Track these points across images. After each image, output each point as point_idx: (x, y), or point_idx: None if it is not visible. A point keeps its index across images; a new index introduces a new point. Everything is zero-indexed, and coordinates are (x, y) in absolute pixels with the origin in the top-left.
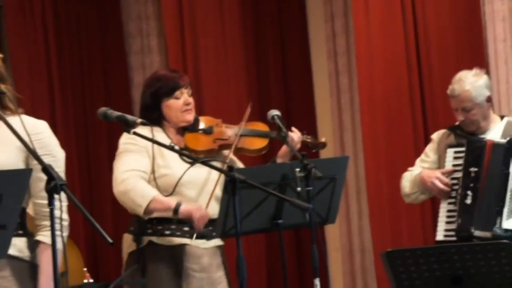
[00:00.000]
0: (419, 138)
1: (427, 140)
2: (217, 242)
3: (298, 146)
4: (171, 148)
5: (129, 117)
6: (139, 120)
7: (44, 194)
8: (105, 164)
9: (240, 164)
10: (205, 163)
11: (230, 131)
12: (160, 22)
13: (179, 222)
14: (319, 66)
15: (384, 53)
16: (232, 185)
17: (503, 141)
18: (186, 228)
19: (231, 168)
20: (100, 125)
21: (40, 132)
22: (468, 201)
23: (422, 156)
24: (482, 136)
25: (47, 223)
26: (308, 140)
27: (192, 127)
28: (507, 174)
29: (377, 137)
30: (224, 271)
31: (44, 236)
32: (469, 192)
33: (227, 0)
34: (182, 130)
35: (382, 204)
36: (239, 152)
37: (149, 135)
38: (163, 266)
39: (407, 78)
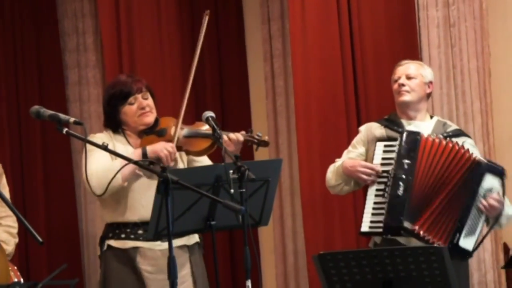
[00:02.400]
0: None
1: None
2: (177, 242)
3: (240, 146)
4: (104, 148)
5: (62, 116)
6: (72, 119)
7: None
8: (38, 162)
9: (206, 161)
10: (137, 164)
11: (179, 132)
12: (96, 20)
13: (134, 225)
14: (255, 69)
15: (320, 57)
16: (165, 186)
17: (484, 160)
18: (140, 231)
19: (164, 169)
20: (34, 123)
21: None
22: (400, 192)
23: (349, 148)
24: (411, 127)
25: None
26: (251, 139)
27: (150, 130)
28: (475, 191)
29: (311, 140)
30: (191, 270)
31: None
32: (401, 183)
33: (164, 0)
34: (143, 134)
35: (316, 207)
36: (188, 154)
37: (108, 138)
38: (120, 269)
39: (342, 82)
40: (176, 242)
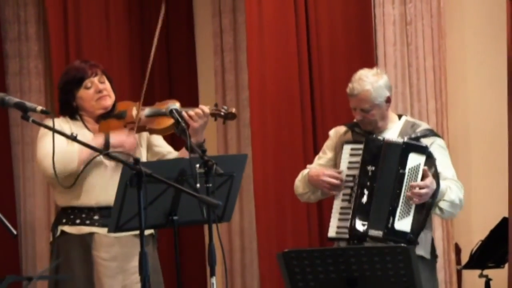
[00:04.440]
0: (308, 137)
1: (316, 140)
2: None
3: (206, 119)
4: (73, 138)
5: (28, 104)
6: (39, 108)
7: None
8: None
9: (166, 146)
10: (109, 155)
11: (140, 113)
12: (39, 9)
13: (90, 210)
14: (205, 63)
15: (276, 51)
16: (138, 179)
17: (400, 140)
18: (96, 217)
19: (137, 161)
20: None
21: None
22: (364, 200)
23: (320, 153)
24: (380, 135)
25: None
26: (217, 112)
27: (107, 114)
28: (403, 174)
29: (266, 136)
30: None
31: None
32: (365, 191)
33: None
34: (101, 118)
35: (269, 204)
36: (151, 133)
37: (66, 125)
38: (74, 255)
39: (297, 77)
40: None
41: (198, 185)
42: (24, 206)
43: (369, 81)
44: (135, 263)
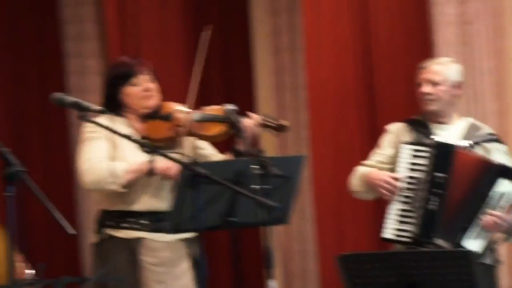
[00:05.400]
0: (366, 139)
1: (374, 142)
2: (180, 235)
3: (255, 130)
4: (128, 137)
5: (85, 103)
6: (95, 107)
7: None
8: (36, 153)
9: (212, 150)
10: (165, 155)
11: (188, 117)
12: (98, 8)
13: (139, 215)
14: (262, 63)
15: (333, 52)
16: (195, 180)
17: (497, 162)
18: (143, 221)
19: (194, 162)
20: (31, 114)
21: None
22: (433, 206)
23: (376, 149)
24: (440, 131)
25: None
26: (269, 123)
27: (153, 114)
28: (486, 195)
29: (325, 138)
30: (189, 264)
31: None
32: (433, 198)
33: None
34: (146, 118)
35: (328, 206)
36: (199, 139)
37: (109, 121)
38: (121, 259)
39: (356, 78)
40: (175, 236)
41: (255, 186)
42: (83, 205)
43: (445, 60)
44: (182, 267)
